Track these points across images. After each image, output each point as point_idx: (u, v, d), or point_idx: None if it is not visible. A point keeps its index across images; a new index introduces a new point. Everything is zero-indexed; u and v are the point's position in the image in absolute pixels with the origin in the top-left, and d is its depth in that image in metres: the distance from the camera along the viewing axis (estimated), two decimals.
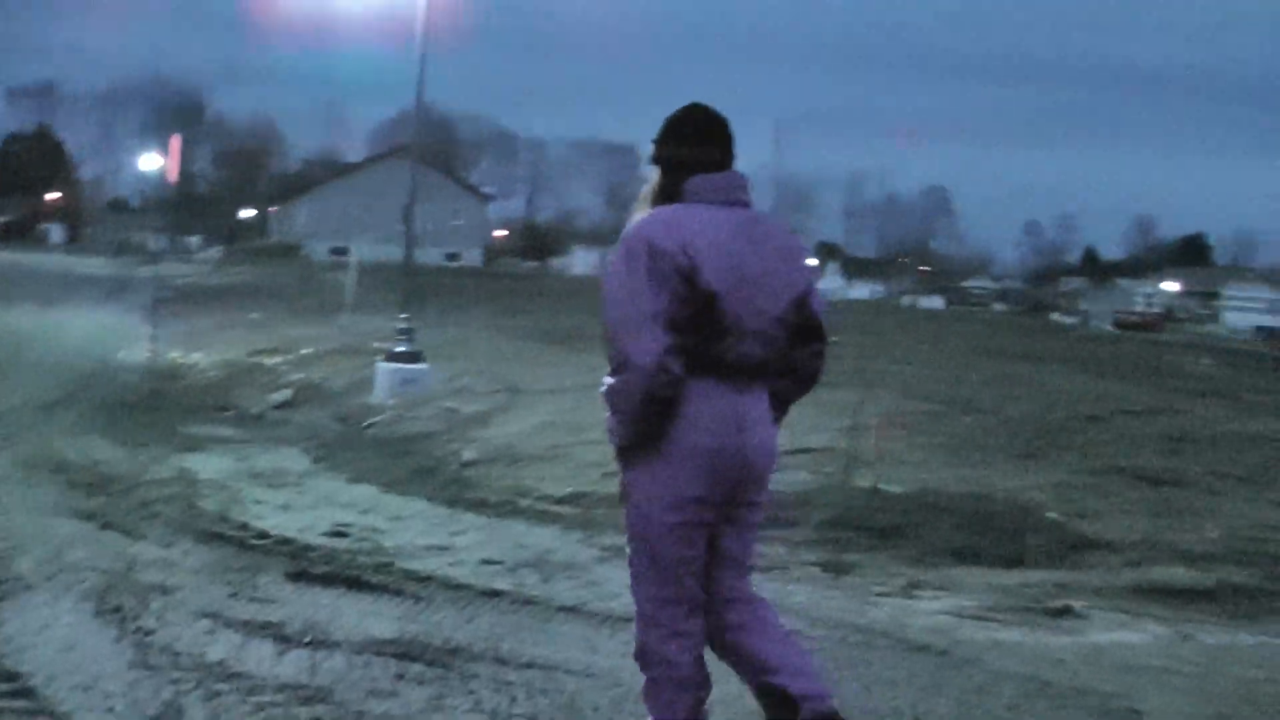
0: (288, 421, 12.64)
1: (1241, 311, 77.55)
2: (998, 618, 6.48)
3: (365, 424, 12.54)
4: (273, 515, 7.90)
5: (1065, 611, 6.57)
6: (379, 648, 5.13)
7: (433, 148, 68.55)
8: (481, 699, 4.51)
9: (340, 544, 7.27)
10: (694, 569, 3.69)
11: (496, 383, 15.33)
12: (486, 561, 7.04)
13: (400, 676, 4.79)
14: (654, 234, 3.59)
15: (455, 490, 9.42)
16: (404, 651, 5.08)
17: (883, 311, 45.09)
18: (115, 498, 7.99)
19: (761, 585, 7.05)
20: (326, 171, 76.21)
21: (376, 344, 19.50)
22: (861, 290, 74.31)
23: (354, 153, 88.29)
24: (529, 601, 6.17)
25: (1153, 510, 8.99)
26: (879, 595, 6.97)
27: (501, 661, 5.01)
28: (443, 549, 7.36)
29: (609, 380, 3.60)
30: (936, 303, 72.21)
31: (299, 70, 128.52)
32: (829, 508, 8.73)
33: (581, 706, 4.56)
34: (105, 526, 7.23)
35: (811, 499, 8.95)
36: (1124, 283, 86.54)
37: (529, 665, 5.00)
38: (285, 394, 13.99)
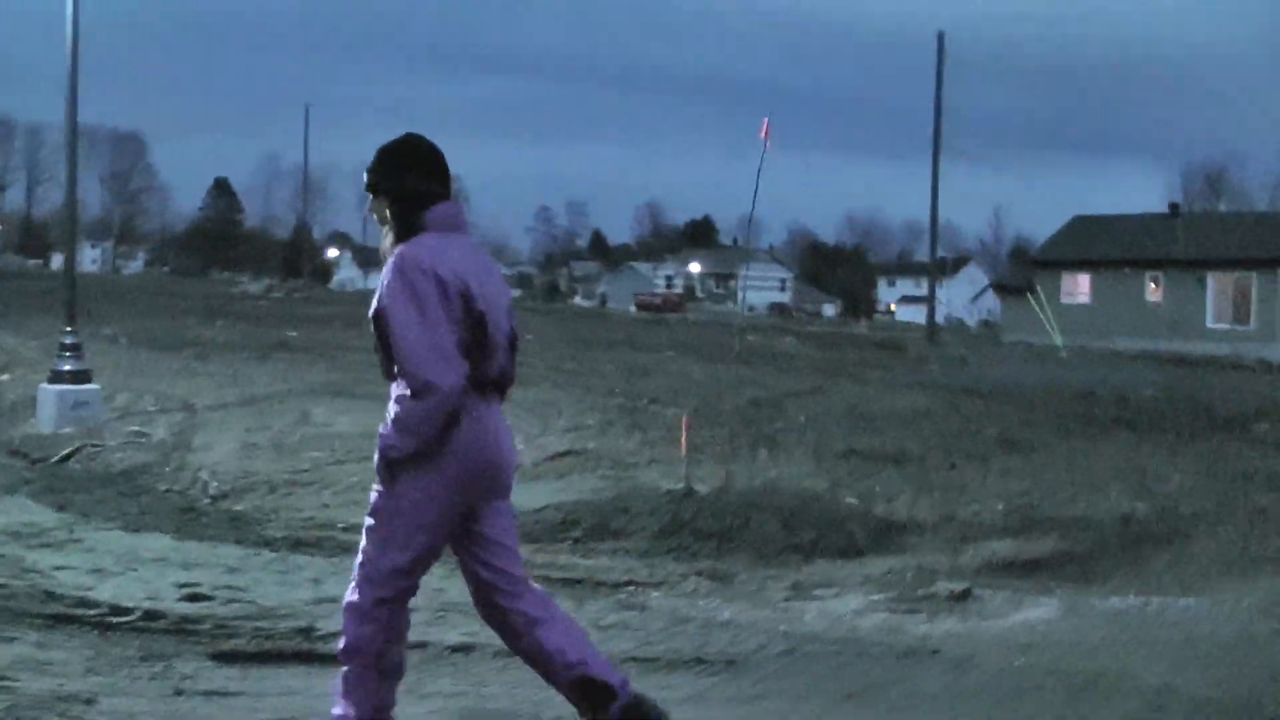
0: None
1: (757, 290, 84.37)
2: (918, 609, 6.58)
3: (57, 458, 10.73)
4: (100, 583, 6.51)
5: (966, 595, 6.78)
6: None
7: None
8: None
9: (220, 610, 6.12)
10: (434, 558, 3.89)
11: (160, 400, 13.71)
12: None
13: None
14: (434, 263, 3.70)
15: (250, 530, 8.25)
16: None
17: None
18: None
19: (661, 602, 6.79)
20: None
21: None
22: (376, 279, 73.85)
23: None
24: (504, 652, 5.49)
25: (918, 489, 9.49)
26: (785, 600, 6.87)
27: None
28: (331, 601, 6.40)
29: (404, 404, 3.67)
30: None
31: None
32: (652, 515, 8.50)
33: None
34: None
35: (629, 507, 8.67)
36: (639, 266, 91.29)
37: None
38: None
